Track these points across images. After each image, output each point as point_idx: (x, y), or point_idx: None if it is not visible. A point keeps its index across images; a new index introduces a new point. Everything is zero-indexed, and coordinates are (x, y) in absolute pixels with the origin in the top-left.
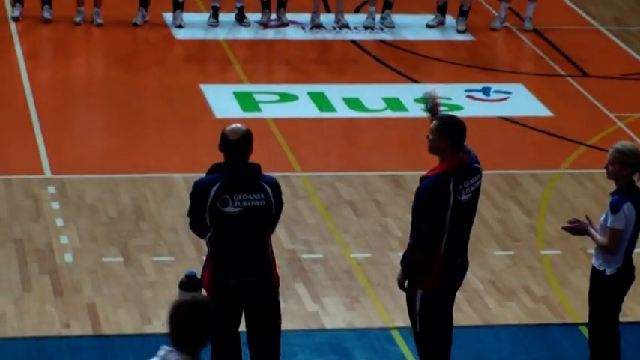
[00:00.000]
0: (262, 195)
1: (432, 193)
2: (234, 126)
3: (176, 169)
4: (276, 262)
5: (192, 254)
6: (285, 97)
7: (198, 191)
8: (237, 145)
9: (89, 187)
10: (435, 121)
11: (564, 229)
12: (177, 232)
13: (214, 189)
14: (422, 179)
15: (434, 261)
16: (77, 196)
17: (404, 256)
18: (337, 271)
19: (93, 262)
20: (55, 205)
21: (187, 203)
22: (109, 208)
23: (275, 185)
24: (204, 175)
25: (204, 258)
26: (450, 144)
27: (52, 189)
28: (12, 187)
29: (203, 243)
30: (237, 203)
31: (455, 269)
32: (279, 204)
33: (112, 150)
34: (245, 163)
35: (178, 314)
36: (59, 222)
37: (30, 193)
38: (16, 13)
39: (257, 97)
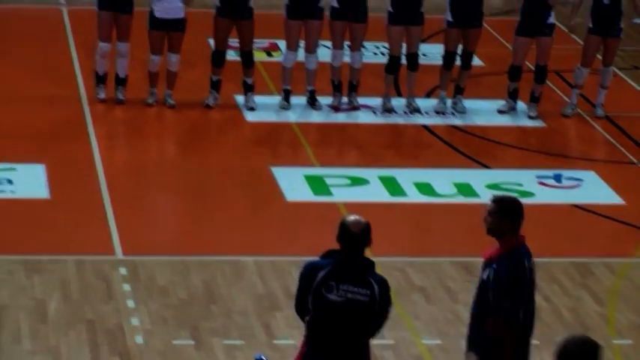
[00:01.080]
0: (368, 291)
1: (515, 269)
2: (354, 218)
3: (247, 251)
4: None
5: (262, 338)
6: (356, 181)
7: (307, 272)
8: (357, 237)
9: (160, 269)
10: (493, 203)
11: None
12: (247, 315)
13: (323, 273)
14: (488, 261)
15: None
16: (148, 278)
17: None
18: (407, 358)
19: (163, 344)
20: (126, 287)
21: (257, 286)
22: (180, 291)
23: (383, 284)
24: (314, 258)
25: (274, 342)
26: (511, 225)
27: (123, 270)
28: (84, 268)
29: (273, 327)
30: (341, 293)
31: (529, 351)
32: (385, 304)
33: (183, 232)
34: (360, 256)
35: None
36: (130, 303)
37: (101, 274)
38: (102, 95)
39: (328, 180)
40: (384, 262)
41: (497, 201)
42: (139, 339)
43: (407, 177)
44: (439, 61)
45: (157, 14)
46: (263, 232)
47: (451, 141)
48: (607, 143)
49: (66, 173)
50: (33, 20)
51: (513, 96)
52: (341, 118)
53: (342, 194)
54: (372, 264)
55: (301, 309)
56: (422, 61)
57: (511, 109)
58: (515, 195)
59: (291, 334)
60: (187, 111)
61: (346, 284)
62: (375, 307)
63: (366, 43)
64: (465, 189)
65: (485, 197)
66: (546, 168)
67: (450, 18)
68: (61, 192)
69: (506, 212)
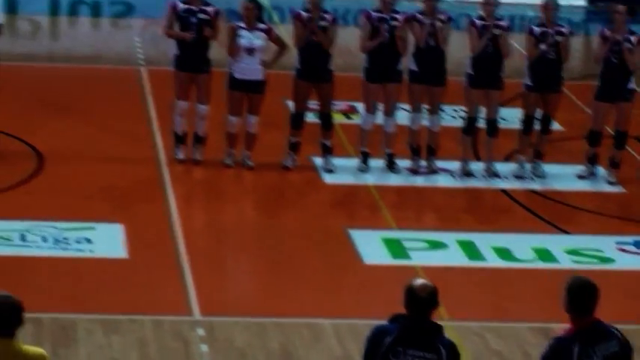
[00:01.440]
0: (436, 356)
1: (552, 356)
2: (421, 282)
3: (324, 314)
4: None
5: None
6: (435, 245)
7: (375, 337)
8: (424, 302)
9: (238, 331)
10: None
11: None
12: None
13: (390, 338)
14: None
15: None
16: (226, 339)
17: None
18: None
19: None
20: (204, 348)
21: (335, 349)
22: (257, 352)
23: (452, 348)
24: (381, 322)
25: None
26: (570, 304)
27: (200, 331)
28: (162, 328)
29: None
30: (408, 358)
31: None
32: None
33: (261, 293)
34: (427, 321)
35: None
36: None
37: (179, 334)
38: (180, 156)
39: (406, 244)
40: (461, 327)
41: (570, 277)
42: None
43: (485, 241)
44: (518, 125)
45: (236, 75)
46: (340, 295)
47: (530, 206)
48: None
49: (144, 233)
50: (112, 80)
51: (593, 161)
52: (419, 181)
53: (420, 258)
54: (439, 328)
55: None
56: (501, 125)
57: (590, 175)
58: (595, 262)
59: None
60: (265, 172)
61: (413, 349)
62: None
63: (444, 107)
64: (544, 254)
65: (565, 263)
66: (626, 234)
67: (529, 82)
68: (139, 252)
69: (567, 289)
